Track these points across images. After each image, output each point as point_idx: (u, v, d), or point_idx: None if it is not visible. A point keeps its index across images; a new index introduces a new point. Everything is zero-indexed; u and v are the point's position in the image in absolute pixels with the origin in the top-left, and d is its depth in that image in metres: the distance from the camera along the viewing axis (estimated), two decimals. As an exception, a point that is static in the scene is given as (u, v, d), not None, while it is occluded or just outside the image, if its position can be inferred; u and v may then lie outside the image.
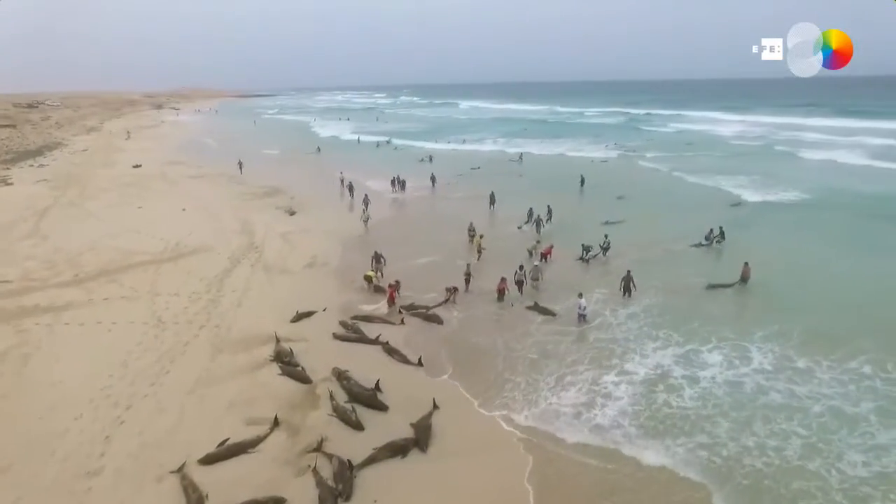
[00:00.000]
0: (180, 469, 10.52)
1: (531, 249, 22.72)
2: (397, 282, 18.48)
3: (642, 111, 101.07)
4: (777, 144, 55.68)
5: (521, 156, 51.32)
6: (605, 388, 13.24)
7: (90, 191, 36.68)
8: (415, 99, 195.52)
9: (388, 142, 65.67)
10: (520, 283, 18.68)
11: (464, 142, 65.61)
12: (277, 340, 15.31)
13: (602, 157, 51.11)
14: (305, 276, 21.01)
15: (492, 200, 31.33)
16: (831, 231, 25.72)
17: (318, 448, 11.10)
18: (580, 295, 16.90)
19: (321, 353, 14.96)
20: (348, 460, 10.57)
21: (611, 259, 22.15)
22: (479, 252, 22.64)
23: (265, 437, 11.49)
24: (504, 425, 12.00)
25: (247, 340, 15.61)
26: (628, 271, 18.31)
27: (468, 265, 20.00)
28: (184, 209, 31.23)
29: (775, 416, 11.95)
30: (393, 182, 36.92)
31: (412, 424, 11.72)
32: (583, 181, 36.85)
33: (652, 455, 10.93)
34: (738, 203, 31.44)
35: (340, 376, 13.54)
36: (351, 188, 35.14)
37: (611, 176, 40.78)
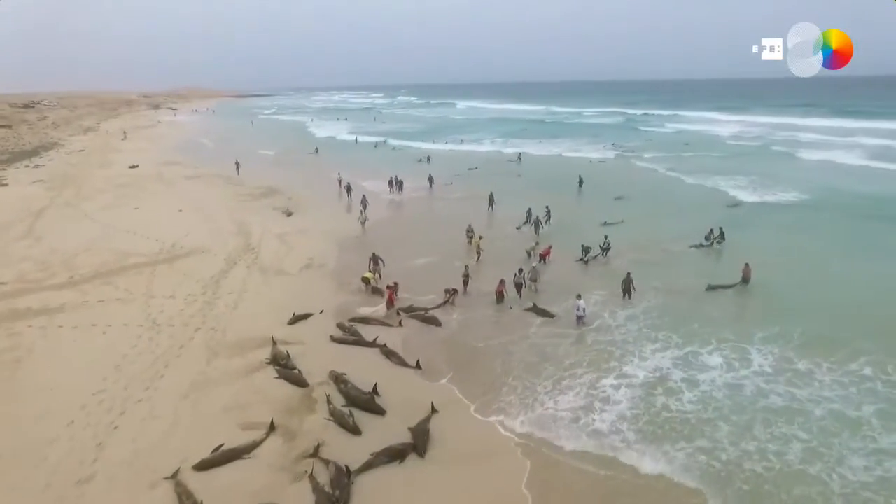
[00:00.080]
0: (174, 475, 10.39)
1: (530, 250, 22.64)
2: (396, 283, 18.34)
3: (640, 111, 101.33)
4: (774, 145, 55.77)
5: (519, 156, 51.28)
6: (604, 391, 13.12)
7: (86, 191, 36.49)
8: (412, 99, 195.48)
9: (384, 142, 65.55)
10: (518, 286, 18.54)
11: (461, 142, 65.47)
12: (274, 343, 15.15)
13: (600, 157, 51.14)
14: (302, 278, 20.85)
15: (490, 201, 31.17)
16: (830, 232, 25.70)
17: (315, 453, 10.96)
18: (579, 296, 16.79)
19: (318, 356, 14.82)
20: (346, 466, 10.44)
21: (611, 260, 22.08)
22: (478, 253, 22.54)
23: (261, 442, 11.34)
24: (502, 430, 11.89)
25: (242, 343, 15.45)
26: (628, 273, 18.22)
27: (466, 266, 19.90)
28: (180, 210, 31.08)
29: (776, 420, 11.85)
30: (391, 182, 36.74)
31: (410, 429, 11.60)
32: (581, 181, 36.80)
33: (651, 461, 10.81)
34: (735, 204, 31.43)
35: (338, 380, 13.40)
36: (349, 189, 35.00)
37: (609, 176, 40.76)
